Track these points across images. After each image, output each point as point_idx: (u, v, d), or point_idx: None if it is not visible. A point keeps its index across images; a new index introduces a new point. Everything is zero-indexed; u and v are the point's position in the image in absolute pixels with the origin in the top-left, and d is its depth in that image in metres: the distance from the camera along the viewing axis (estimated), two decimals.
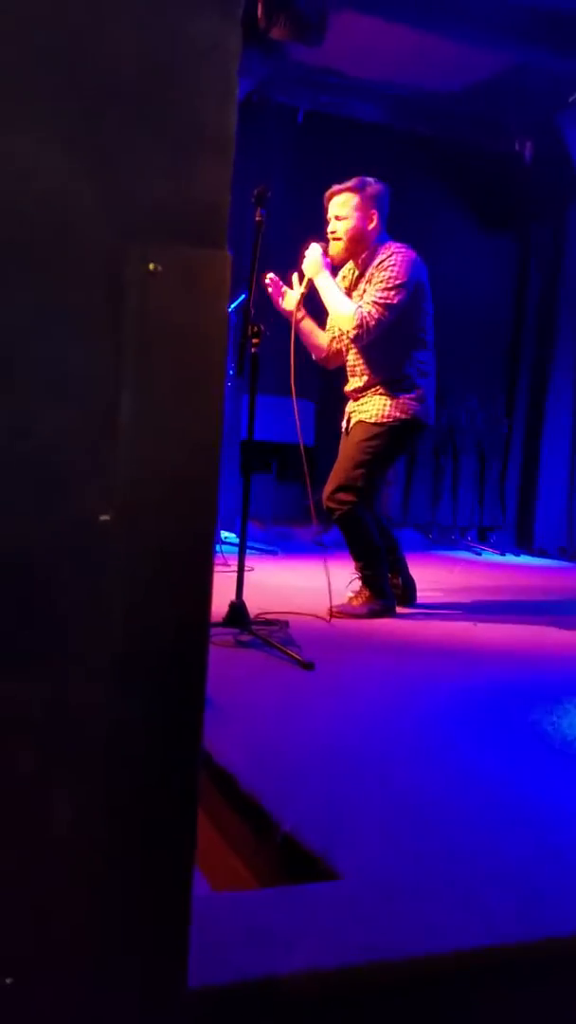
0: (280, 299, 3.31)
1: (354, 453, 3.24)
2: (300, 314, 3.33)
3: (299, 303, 3.30)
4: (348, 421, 3.42)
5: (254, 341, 2.81)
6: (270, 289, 3.31)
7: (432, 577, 4.42)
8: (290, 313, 3.30)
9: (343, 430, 3.46)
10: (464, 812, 1.51)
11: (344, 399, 3.50)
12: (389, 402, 3.24)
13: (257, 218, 2.82)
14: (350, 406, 3.42)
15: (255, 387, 2.88)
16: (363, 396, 3.33)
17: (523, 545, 6.56)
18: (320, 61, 5.46)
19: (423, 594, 3.70)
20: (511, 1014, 1.13)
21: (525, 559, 6.09)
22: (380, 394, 3.26)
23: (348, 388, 3.41)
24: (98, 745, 0.83)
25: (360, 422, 3.30)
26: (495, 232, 6.71)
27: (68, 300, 0.74)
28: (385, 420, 3.24)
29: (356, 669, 2.56)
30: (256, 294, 2.89)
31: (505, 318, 6.88)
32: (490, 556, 6.02)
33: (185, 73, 0.75)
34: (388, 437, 3.25)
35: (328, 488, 3.26)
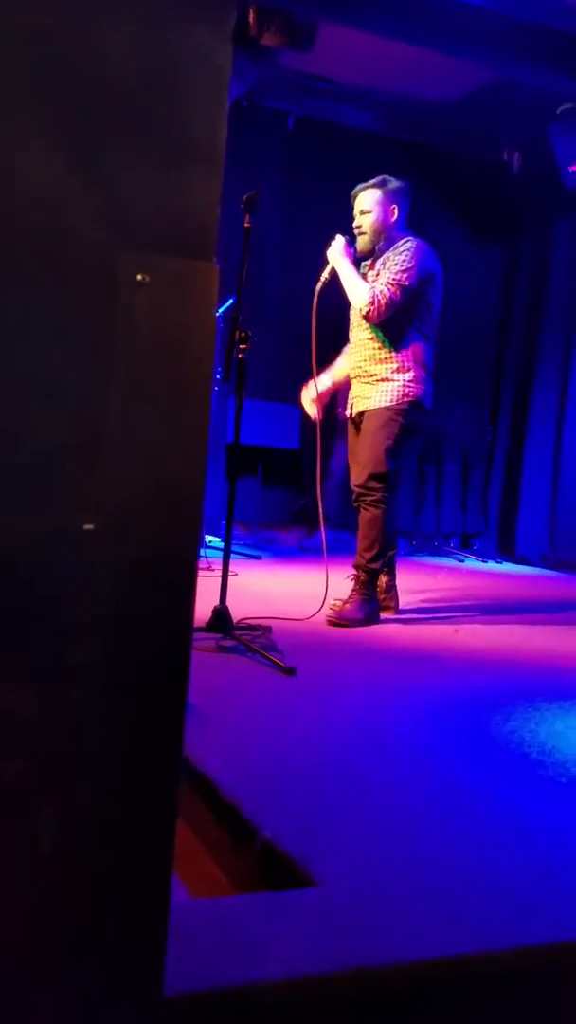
0: (317, 410, 3.61)
1: (374, 440, 3.40)
2: (332, 387, 3.70)
3: (328, 388, 3.67)
4: (351, 408, 3.58)
5: (241, 347, 2.82)
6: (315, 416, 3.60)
7: (415, 584, 4.43)
8: (325, 401, 3.64)
9: (348, 417, 3.62)
10: (444, 820, 1.52)
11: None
12: (391, 387, 3.42)
13: (246, 224, 2.83)
14: (354, 390, 3.57)
15: (242, 392, 2.88)
16: (366, 378, 3.48)
17: (505, 552, 6.59)
18: (311, 67, 5.48)
19: (405, 599, 3.71)
20: (487, 1022, 1.14)
21: (507, 566, 6.12)
22: (382, 379, 3.44)
23: (352, 365, 3.59)
24: (81, 752, 0.83)
25: (370, 412, 3.46)
26: (483, 242, 6.75)
27: (58, 308, 0.74)
28: (392, 404, 3.42)
29: (337, 675, 2.56)
30: (244, 299, 2.90)
31: (492, 327, 6.92)
32: (472, 563, 6.05)
33: (177, 87, 0.75)
34: (399, 419, 3.42)
35: (359, 476, 3.42)
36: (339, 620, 3.24)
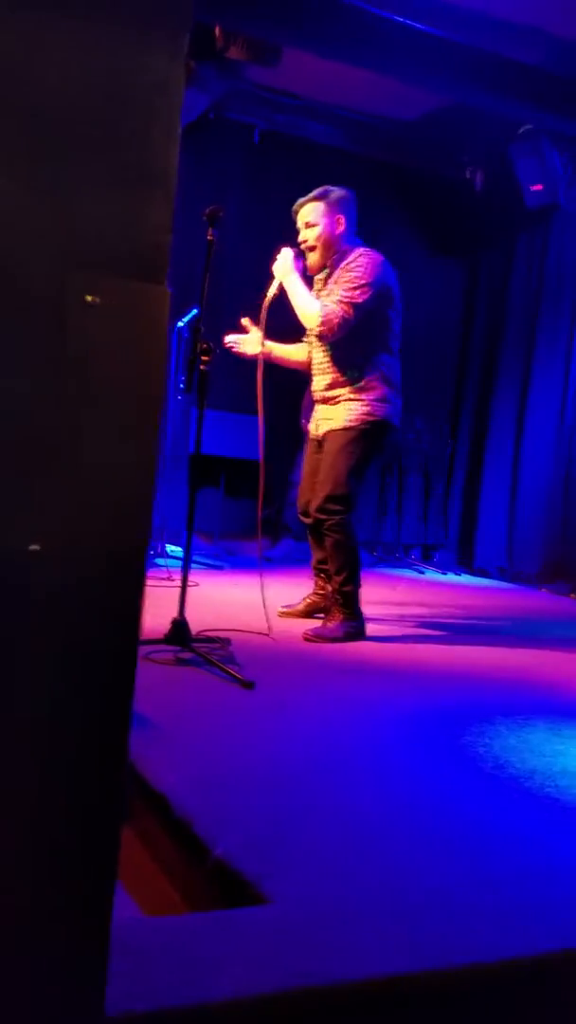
0: (244, 351, 3.43)
1: (335, 461, 3.29)
2: (264, 349, 3.43)
3: (261, 340, 3.40)
4: (317, 428, 3.47)
5: (203, 359, 2.82)
6: (233, 348, 3.43)
7: (374, 595, 4.45)
8: (256, 355, 3.39)
9: (313, 437, 3.51)
10: (398, 837, 1.52)
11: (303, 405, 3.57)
12: (354, 406, 3.31)
13: (209, 237, 2.84)
14: (318, 411, 3.48)
15: (203, 404, 2.88)
16: (329, 401, 3.39)
17: (464, 564, 6.66)
18: (277, 82, 5.52)
19: (364, 611, 3.72)
20: None
21: (466, 578, 6.18)
22: (345, 399, 3.33)
23: (314, 387, 3.48)
24: (25, 765, 0.82)
25: (331, 432, 3.36)
26: (445, 258, 6.85)
27: (7, 328, 0.74)
28: (353, 424, 3.30)
29: (295, 689, 2.57)
30: (207, 312, 2.91)
31: (452, 341, 7.01)
32: (432, 575, 6.10)
33: (130, 111, 0.76)
34: (363, 440, 3.31)
35: (317, 498, 3.30)
36: (316, 638, 3.20)
